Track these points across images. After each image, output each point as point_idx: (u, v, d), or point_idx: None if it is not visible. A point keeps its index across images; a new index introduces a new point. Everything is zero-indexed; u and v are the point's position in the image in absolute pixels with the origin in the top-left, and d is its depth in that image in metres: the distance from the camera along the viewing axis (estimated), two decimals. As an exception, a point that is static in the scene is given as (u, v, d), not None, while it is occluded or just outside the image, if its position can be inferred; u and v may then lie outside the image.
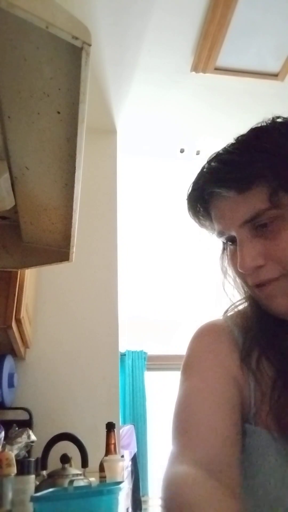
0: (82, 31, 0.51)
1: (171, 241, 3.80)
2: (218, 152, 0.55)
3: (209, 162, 0.55)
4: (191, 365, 0.56)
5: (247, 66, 2.01)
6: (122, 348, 5.00)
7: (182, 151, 2.62)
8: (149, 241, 3.88)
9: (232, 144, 0.54)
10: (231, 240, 0.55)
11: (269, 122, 0.55)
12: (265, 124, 0.55)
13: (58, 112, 0.66)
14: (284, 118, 0.55)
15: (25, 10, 0.47)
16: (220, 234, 0.55)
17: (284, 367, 0.51)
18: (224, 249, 0.59)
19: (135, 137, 2.53)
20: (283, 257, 0.49)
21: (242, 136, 0.55)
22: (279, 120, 0.55)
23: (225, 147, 0.55)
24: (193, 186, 0.57)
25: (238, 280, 0.58)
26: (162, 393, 5.41)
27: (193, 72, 2.05)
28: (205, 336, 0.59)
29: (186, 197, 0.58)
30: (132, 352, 5.40)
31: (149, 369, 5.45)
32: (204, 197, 0.55)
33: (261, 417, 0.50)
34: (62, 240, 1.09)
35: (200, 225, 0.59)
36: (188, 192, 0.57)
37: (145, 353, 5.47)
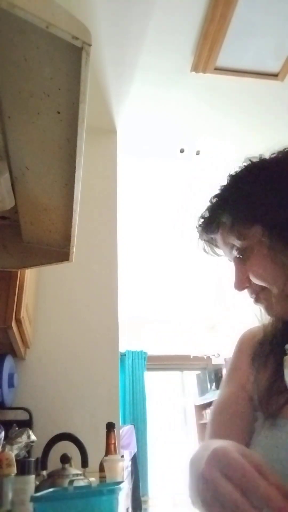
0: (82, 31, 0.52)
1: (171, 241, 3.80)
2: (211, 198, 0.69)
3: (199, 215, 0.70)
4: (226, 375, 0.72)
5: (247, 66, 2.02)
6: (122, 348, 5.00)
7: (182, 151, 2.62)
8: (149, 240, 3.88)
9: (211, 198, 0.69)
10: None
11: (240, 167, 0.67)
12: (235, 171, 0.67)
13: (58, 112, 0.66)
14: (253, 161, 0.66)
15: (25, 10, 0.47)
16: (229, 261, 0.69)
17: (279, 367, 0.60)
18: None
19: (135, 137, 2.53)
20: (256, 276, 0.61)
21: (223, 186, 0.68)
22: (249, 161, 0.66)
23: (214, 194, 0.69)
24: (196, 230, 0.72)
25: None
26: (162, 393, 5.41)
27: (193, 72, 2.05)
28: (237, 345, 0.73)
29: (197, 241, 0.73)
30: (132, 352, 5.40)
31: (149, 369, 5.45)
32: (207, 241, 0.70)
33: (262, 405, 0.62)
34: (62, 240, 1.09)
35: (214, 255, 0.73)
36: (198, 236, 0.72)
37: (145, 353, 5.47)
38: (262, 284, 0.60)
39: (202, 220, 0.68)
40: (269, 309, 0.63)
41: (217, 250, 0.70)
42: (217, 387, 4.58)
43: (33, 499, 0.83)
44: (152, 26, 1.81)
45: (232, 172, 0.67)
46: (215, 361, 5.37)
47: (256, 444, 0.58)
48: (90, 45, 0.52)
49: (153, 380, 5.51)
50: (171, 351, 5.47)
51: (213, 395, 4.51)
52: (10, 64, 0.58)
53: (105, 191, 2.27)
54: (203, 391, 5.08)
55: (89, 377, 1.79)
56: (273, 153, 0.66)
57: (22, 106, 0.66)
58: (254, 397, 0.64)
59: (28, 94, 0.63)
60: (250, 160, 0.66)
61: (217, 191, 0.68)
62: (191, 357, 5.35)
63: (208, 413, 4.66)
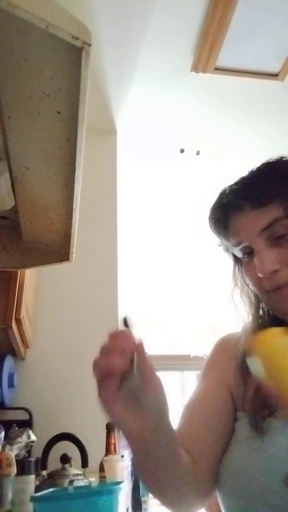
0: (82, 31, 0.51)
1: (171, 240, 3.79)
2: (237, 180, 0.65)
3: (229, 186, 0.65)
4: (203, 371, 0.73)
5: (247, 66, 2.01)
6: (122, 348, 4.97)
7: (182, 151, 2.62)
8: (149, 240, 3.88)
9: (249, 173, 0.65)
10: (247, 252, 0.64)
11: (277, 158, 0.66)
12: (273, 159, 0.66)
13: (58, 112, 0.66)
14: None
15: (25, 10, 0.47)
16: (237, 245, 0.64)
17: None
18: (235, 263, 0.70)
19: (135, 137, 2.53)
20: None
21: (255, 168, 0.65)
22: (284, 158, 0.65)
23: (242, 176, 0.65)
24: (215, 205, 0.67)
25: (251, 294, 0.69)
26: (162, 393, 5.41)
27: (193, 72, 2.05)
28: (216, 347, 0.75)
29: (209, 213, 0.68)
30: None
31: (149, 369, 5.45)
32: (228, 214, 0.64)
33: (247, 406, 0.64)
34: (62, 240, 1.09)
35: (217, 237, 0.69)
36: (211, 210, 0.67)
37: (145, 353, 5.47)
38: None
39: (247, 189, 0.62)
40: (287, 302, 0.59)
41: (227, 233, 0.66)
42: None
43: (33, 499, 0.83)
44: (152, 26, 1.81)
45: (272, 160, 0.66)
46: (215, 361, 5.36)
47: (243, 443, 0.60)
48: (90, 45, 0.52)
49: (153, 380, 5.51)
50: (171, 351, 5.47)
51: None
52: (10, 64, 0.58)
53: (105, 191, 2.27)
54: (203, 391, 5.08)
55: (89, 377, 1.78)
56: None
57: (22, 106, 0.66)
58: (237, 399, 0.67)
59: (28, 94, 0.63)
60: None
61: (258, 170, 0.64)
62: (191, 357, 5.35)
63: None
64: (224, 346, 0.73)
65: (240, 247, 0.64)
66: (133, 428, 0.49)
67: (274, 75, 2.06)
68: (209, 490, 0.61)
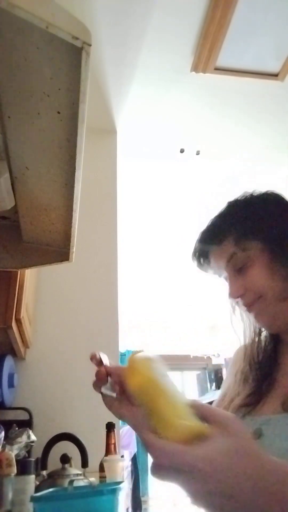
0: (82, 31, 0.52)
1: (171, 240, 3.79)
2: (207, 222, 0.78)
3: (201, 230, 0.78)
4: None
5: (247, 66, 2.01)
6: (122, 348, 4.99)
7: (182, 151, 2.62)
8: (149, 240, 3.88)
9: (214, 215, 0.77)
10: (226, 278, 0.76)
11: (239, 196, 0.77)
12: (237, 197, 0.77)
13: (58, 112, 0.66)
14: (251, 192, 0.76)
15: (25, 10, 0.47)
16: (219, 275, 0.77)
17: (259, 376, 0.72)
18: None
19: (135, 137, 2.53)
20: (253, 287, 0.69)
21: (221, 209, 0.77)
22: (247, 194, 0.76)
23: (210, 218, 0.78)
24: (194, 248, 0.79)
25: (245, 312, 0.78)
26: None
27: (193, 72, 2.05)
28: (233, 356, 0.85)
29: (191, 255, 0.79)
30: (132, 352, 5.40)
31: (149, 369, 5.45)
32: (203, 254, 0.77)
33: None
34: (62, 240, 1.09)
35: (205, 272, 0.80)
36: (192, 252, 0.79)
37: (145, 353, 5.46)
38: (259, 292, 0.69)
39: (206, 232, 0.76)
40: (260, 317, 0.71)
41: (208, 268, 0.78)
42: (217, 387, 4.57)
43: (33, 499, 0.83)
44: (152, 26, 1.81)
45: (233, 199, 0.77)
46: (215, 361, 5.37)
47: None
48: (90, 45, 0.52)
49: (153, 380, 5.50)
50: (171, 351, 5.47)
51: (213, 395, 4.51)
52: (10, 64, 0.58)
53: (105, 191, 2.27)
54: (203, 391, 5.08)
55: (89, 377, 1.78)
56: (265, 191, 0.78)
57: (22, 106, 0.66)
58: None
59: (28, 94, 0.63)
60: (246, 192, 0.77)
61: (221, 210, 0.77)
62: (191, 357, 5.35)
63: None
64: (236, 354, 0.83)
65: (221, 277, 0.77)
66: (130, 418, 0.61)
67: (274, 75, 2.06)
68: None
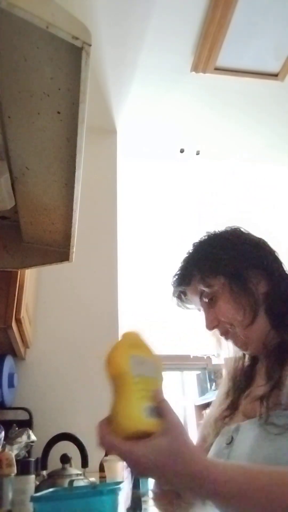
0: (82, 31, 0.52)
1: (171, 240, 3.79)
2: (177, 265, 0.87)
3: (173, 274, 0.87)
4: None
5: (247, 66, 2.01)
6: (122, 348, 4.97)
7: (182, 151, 2.62)
8: (149, 240, 3.88)
9: (182, 259, 0.86)
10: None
11: (201, 237, 0.86)
12: (198, 240, 0.86)
13: (58, 112, 0.66)
14: (211, 232, 0.85)
15: (25, 10, 0.47)
16: (198, 309, 0.84)
17: (236, 392, 0.80)
18: None
19: (135, 137, 2.53)
20: (223, 317, 0.77)
21: (187, 251, 0.86)
22: (208, 233, 0.85)
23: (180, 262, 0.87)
24: (171, 290, 0.88)
25: None
26: (162, 393, 5.40)
27: (193, 72, 2.05)
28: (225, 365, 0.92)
29: (171, 296, 0.88)
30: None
31: (149, 369, 5.44)
32: (179, 295, 0.86)
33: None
34: (62, 240, 1.09)
35: (187, 308, 0.88)
36: (171, 293, 0.88)
37: (145, 353, 5.46)
38: (229, 321, 0.76)
39: (176, 276, 0.85)
40: (235, 343, 0.78)
41: (187, 304, 0.86)
42: (217, 387, 4.56)
43: (33, 499, 0.83)
44: (152, 26, 1.81)
45: (197, 240, 0.86)
46: (215, 361, 5.37)
47: (213, 448, 0.75)
48: (90, 45, 0.52)
49: (153, 380, 5.50)
50: (171, 351, 5.46)
51: (213, 395, 4.50)
52: (10, 64, 0.58)
53: (105, 191, 2.27)
54: (203, 391, 5.07)
55: (89, 377, 1.79)
56: (225, 228, 0.86)
57: (22, 106, 0.66)
58: None
59: (28, 94, 0.63)
60: (208, 232, 0.86)
61: (186, 254, 0.85)
62: (191, 357, 5.35)
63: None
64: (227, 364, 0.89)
65: (200, 311, 0.83)
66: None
67: (274, 75, 2.06)
68: None
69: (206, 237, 0.86)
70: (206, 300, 0.80)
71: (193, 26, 1.83)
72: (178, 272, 0.86)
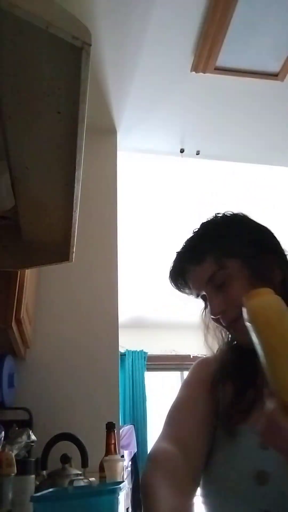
0: (82, 31, 0.52)
1: (171, 240, 3.79)
2: (183, 243, 0.80)
3: (177, 252, 0.80)
4: (185, 384, 0.83)
5: (247, 66, 2.01)
6: (122, 348, 5.00)
7: (182, 151, 2.62)
8: (149, 240, 3.88)
9: (190, 236, 0.79)
10: (205, 299, 0.77)
11: (211, 217, 0.79)
12: (208, 218, 0.80)
13: (58, 112, 0.66)
14: (222, 213, 0.79)
15: (25, 10, 0.47)
16: (197, 295, 0.78)
17: (239, 389, 0.73)
18: (204, 307, 0.81)
19: (135, 137, 2.53)
20: (236, 301, 0.68)
21: (196, 229, 0.79)
22: (218, 215, 0.79)
23: (186, 239, 0.80)
24: (171, 268, 0.80)
25: (217, 328, 0.80)
26: (162, 393, 5.41)
27: (193, 72, 2.05)
28: (196, 367, 0.85)
29: (168, 276, 0.81)
30: (132, 352, 5.40)
31: (149, 369, 5.45)
32: (181, 274, 0.79)
33: (224, 419, 0.73)
34: (62, 240, 1.09)
35: (182, 293, 0.82)
36: (169, 272, 0.81)
37: (145, 353, 5.46)
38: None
39: (185, 252, 0.77)
40: (241, 334, 0.68)
41: (186, 287, 0.79)
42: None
43: (33, 499, 0.83)
44: (152, 26, 1.81)
45: (205, 220, 0.80)
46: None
47: (220, 448, 0.70)
48: (90, 45, 0.52)
49: (153, 380, 5.51)
50: (171, 351, 5.47)
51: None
52: (10, 64, 0.58)
53: (105, 191, 2.27)
54: (203, 391, 5.08)
55: (89, 377, 1.79)
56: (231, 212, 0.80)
57: (22, 106, 0.66)
58: (217, 409, 0.75)
59: (28, 94, 0.63)
60: (217, 213, 0.80)
61: (197, 231, 0.79)
62: (191, 357, 5.35)
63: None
64: (202, 365, 0.83)
65: (199, 296, 0.78)
66: None
67: (274, 75, 2.06)
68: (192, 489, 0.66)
69: (218, 217, 0.78)
70: (216, 283, 0.72)
71: (193, 26, 1.83)
72: (188, 249, 0.77)
